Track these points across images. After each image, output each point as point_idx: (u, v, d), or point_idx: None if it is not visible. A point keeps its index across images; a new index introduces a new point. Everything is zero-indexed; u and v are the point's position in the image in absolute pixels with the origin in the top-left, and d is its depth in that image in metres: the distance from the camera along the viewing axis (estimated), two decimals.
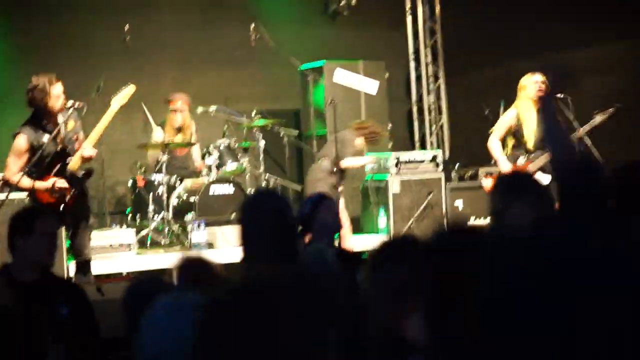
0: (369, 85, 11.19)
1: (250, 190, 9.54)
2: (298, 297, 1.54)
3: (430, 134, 12.91)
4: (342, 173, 9.22)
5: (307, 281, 1.61)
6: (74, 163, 7.45)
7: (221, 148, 9.76)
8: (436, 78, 12.97)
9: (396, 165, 10.17)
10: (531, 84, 8.17)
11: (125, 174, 10.46)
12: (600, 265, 1.28)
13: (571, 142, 2.60)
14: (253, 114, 10.31)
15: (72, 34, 10.70)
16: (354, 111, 10.99)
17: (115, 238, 8.86)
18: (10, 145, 7.34)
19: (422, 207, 10.06)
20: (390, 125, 11.62)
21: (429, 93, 12.96)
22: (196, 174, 9.91)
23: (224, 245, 8.85)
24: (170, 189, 9.46)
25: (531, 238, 1.39)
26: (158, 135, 9.88)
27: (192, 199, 9.35)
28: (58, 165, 7.41)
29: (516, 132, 8.24)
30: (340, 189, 9.15)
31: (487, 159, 9.74)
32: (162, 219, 9.33)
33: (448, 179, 10.72)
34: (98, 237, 8.71)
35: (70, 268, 7.68)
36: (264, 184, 10.03)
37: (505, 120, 8.34)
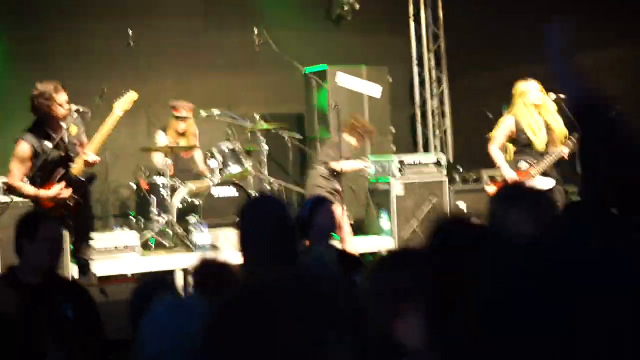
0: (373, 89, 11.19)
1: (254, 194, 9.55)
2: (298, 299, 1.55)
3: (434, 137, 12.92)
4: (339, 177, 9.24)
5: (307, 284, 1.61)
6: (76, 167, 7.46)
7: (225, 151, 9.77)
8: (440, 82, 12.98)
9: (400, 168, 10.17)
10: (530, 91, 8.15)
11: (129, 177, 10.47)
12: (600, 265, 1.29)
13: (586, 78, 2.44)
14: (257, 117, 10.32)
15: (75, 40, 10.72)
16: None
17: (119, 241, 8.87)
18: (13, 150, 7.35)
19: (425, 210, 10.06)
20: (393, 129, 11.62)
21: (432, 97, 12.96)
22: (200, 177, 9.94)
23: (228, 248, 8.85)
24: (174, 191, 9.48)
25: (531, 238, 1.40)
26: (161, 139, 9.90)
27: (196, 202, 9.37)
28: (61, 171, 7.42)
29: (518, 139, 8.23)
30: (339, 192, 9.17)
31: (490, 162, 9.73)
32: (166, 222, 9.35)
33: (452, 182, 10.72)
34: (102, 240, 8.73)
35: (74, 270, 7.69)
36: (267, 187, 10.04)
37: (504, 128, 8.31)
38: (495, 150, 8.34)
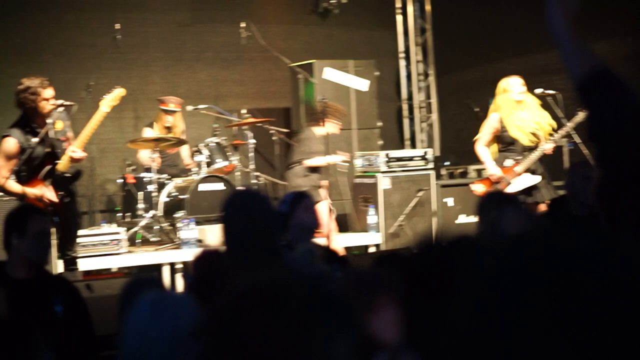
0: (359, 83, 11.19)
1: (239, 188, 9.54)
2: (303, 298, 1.53)
3: (421, 131, 12.93)
4: (319, 170, 9.19)
5: (309, 282, 1.60)
6: (63, 163, 7.44)
7: (211, 146, 9.76)
8: (426, 76, 12.99)
9: (386, 162, 10.17)
10: (512, 87, 8.16)
11: (115, 172, 10.46)
12: (589, 260, 1.28)
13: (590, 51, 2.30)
14: (243, 112, 10.31)
15: (62, 33, 10.68)
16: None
17: (105, 236, 8.85)
18: None
19: (412, 204, 10.07)
20: (379, 123, 11.62)
21: (419, 91, 12.97)
22: (186, 172, 9.92)
23: (214, 243, 8.84)
24: (160, 187, 9.46)
25: (516, 237, 1.38)
26: (148, 134, 9.88)
27: (182, 197, 9.36)
28: (47, 167, 7.39)
29: (502, 135, 8.24)
30: (323, 188, 9.13)
31: (476, 156, 9.75)
32: (152, 216, 9.33)
33: (438, 176, 10.74)
34: (88, 235, 8.73)
35: (58, 266, 7.67)
36: (254, 181, 10.03)
37: (489, 125, 8.32)
38: (480, 148, 8.35)
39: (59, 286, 4.82)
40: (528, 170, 8.13)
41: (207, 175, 9.50)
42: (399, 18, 12.92)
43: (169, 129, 9.94)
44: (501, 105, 8.19)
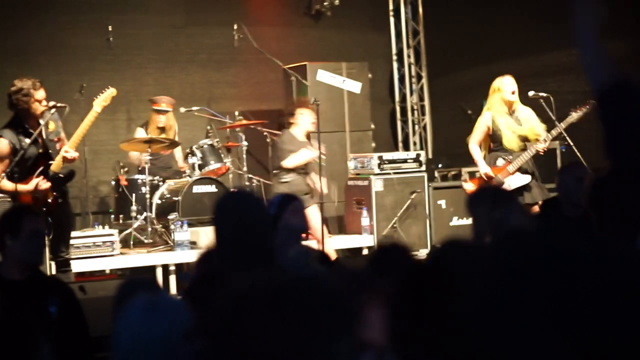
0: (352, 85, 11.20)
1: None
2: (304, 300, 1.53)
3: (414, 134, 12.94)
4: (303, 172, 9.09)
5: (313, 284, 1.60)
6: (56, 164, 7.44)
7: (204, 148, 9.75)
8: (419, 78, 13.00)
9: (379, 164, 10.18)
10: (504, 87, 8.19)
11: (108, 174, 10.44)
12: (583, 260, 1.28)
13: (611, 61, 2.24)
14: (236, 114, 10.31)
15: (55, 35, 10.66)
16: (337, 111, 11.00)
17: (98, 237, 8.85)
18: None
19: (405, 207, 10.08)
20: (372, 125, 11.62)
21: (411, 93, 12.98)
22: (179, 174, 9.92)
23: (207, 245, 8.83)
24: (154, 188, 9.45)
25: (506, 239, 1.38)
26: (141, 135, 9.87)
27: (175, 199, 9.35)
28: (41, 168, 7.39)
29: (494, 135, 8.26)
30: (311, 192, 9.08)
31: (469, 159, 9.76)
32: (145, 218, 9.32)
33: (431, 178, 10.75)
34: (81, 237, 8.72)
35: (51, 267, 7.67)
36: (247, 183, 10.03)
37: (481, 124, 8.35)
38: (473, 146, 8.38)
39: (53, 287, 4.81)
40: (520, 170, 8.14)
41: (200, 177, 9.50)
42: (392, 20, 12.94)
43: (162, 129, 9.93)
44: (493, 105, 8.22)
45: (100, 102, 7.76)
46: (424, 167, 10.43)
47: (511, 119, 8.16)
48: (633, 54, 9.96)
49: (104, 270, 8.79)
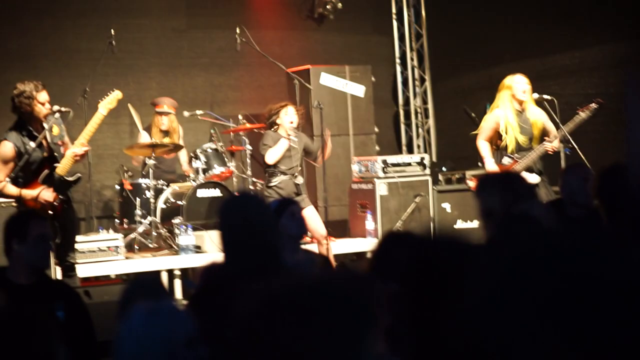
0: (356, 88, 11.20)
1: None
2: (331, 302, 1.53)
3: (417, 137, 12.93)
4: (286, 175, 9.02)
5: (339, 285, 1.59)
6: (62, 168, 7.45)
7: (208, 152, 9.75)
8: (422, 81, 12.99)
9: (383, 168, 10.17)
10: (515, 85, 8.18)
11: (112, 178, 10.45)
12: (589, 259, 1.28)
13: None
14: (240, 118, 10.31)
15: (58, 39, 10.68)
16: (340, 115, 11.00)
17: (102, 242, 8.85)
18: None
19: (409, 210, 10.07)
20: (376, 129, 11.62)
21: (415, 96, 12.98)
22: (183, 177, 9.92)
23: (212, 249, 8.84)
24: (158, 192, 9.46)
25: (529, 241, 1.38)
26: (145, 138, 9.87)
27: (179, 203, 9.36)
28: (45, 171, 7.40)
29: (500, 132, 8.24)
30: (303, 194, 9.04)
31: (473, 162, 9.75)
32: (150, 222, 9.33)
33: (435, 181, 10.74)
34: (86, 241, 8.71)
35: (56, 272, 7.67)
36: (250, 187, 10.02)
37: (490, 121, 8.33)
38: (481, 142, 8.34)
39: (60, 291, 4.82)
40: (527, 170, 8.12)
41: (204, 181, 9.50)
42: (395, 23, 12.94)
43: (165, 132, 9.93)
44: (503, 102, 8.19)
45: (106, 104, 7.77)
46: (428, 171, 10.42)
47: (519, 118, 8.14)
48: (633, 54, 9.96)
49: (108, 275, 8.78)
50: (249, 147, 10.05)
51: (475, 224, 9.66)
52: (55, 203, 7.39)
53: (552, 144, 8.08)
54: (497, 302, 1.27)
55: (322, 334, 1.48)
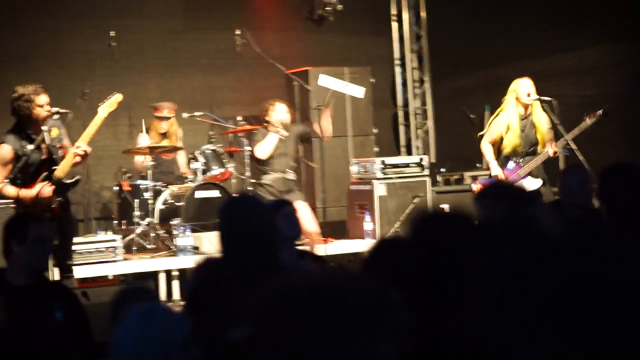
0: (355, 90, 11.20)
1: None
2: (345, 301, 1.52)
3: (416, 138, 12.93)
4: (276, 174, 9.04)
5: (349, 285, 1.58)
6: (60, 170, 7.44)
7: (207, 153, 9.75)
8: (421, 83, 12.99)
9: (382, 169, 10.17)
10: (520, 88, 8.19)
11: (111, 179, 10.45)
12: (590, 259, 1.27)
13: None
14: (239, 119, 10.31)
15: (56, 41, 10.67)
16: (339, 116, 11.00)
17: (101, 243, 8.84)
18: None
19: (408, 211, 10.06)
20: (375, 130, 11.62)
21: (414, 98, 12.97)
22: (182, 179, 9.92)
23: (210, 250, 8.84)
24: (156, 194, 9.45)
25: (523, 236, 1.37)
26: (144, 141, 9.88)
27: (178, 204, 9.35)
28: (44, 174, 7.39)
29: (505, 137, 8.25)
30: (295, 190, 9.04)
31: (472, 163, 9.77)
32: (148, 224, 9.32)
33: (434, 182, 10.73)
34: (84, 243, 8.71)
35: (54, 273, 7.66)
36: (249, 189, 10.02)
37: (495, 124, 8.34)
38: (485, 145, 8.35)
39: (58, 292, 4.84)
40: (530, 174, 8.12)
41: (202, 182, 9.49)
42: (394, 25, 12.93)
43: (164, 135, 9.95)
44: (507, 106, 8.21)
45: (107, 107, 7.76)
46: (426, 172, 10.41)
47: (522, 122, 8.14)
48: (633, 55, 9.97)
49: (106, 276, 8.77)
50: (247, 148, 10.04)
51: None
52: (53, 205, 7.38)
53: (554, 149, 8.08)
54: (497, 302, 1.26)
55: (322, 334, 1.47)
